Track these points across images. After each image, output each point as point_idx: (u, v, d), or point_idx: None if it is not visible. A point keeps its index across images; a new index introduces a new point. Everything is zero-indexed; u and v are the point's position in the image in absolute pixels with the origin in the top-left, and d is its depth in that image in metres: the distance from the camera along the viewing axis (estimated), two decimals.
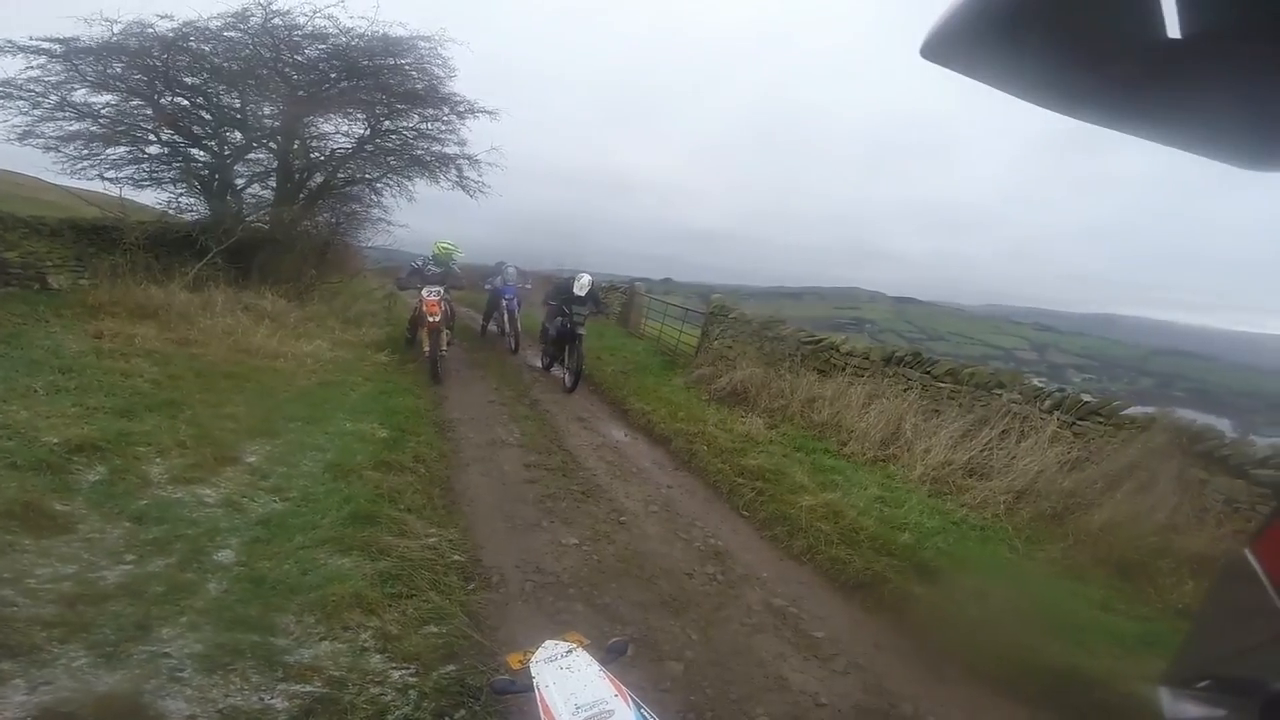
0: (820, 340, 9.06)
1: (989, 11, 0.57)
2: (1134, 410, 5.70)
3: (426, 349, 8.11)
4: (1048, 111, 0.69)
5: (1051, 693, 2.95)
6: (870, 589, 3.96)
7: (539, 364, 9.82)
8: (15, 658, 2.29)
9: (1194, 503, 4.80)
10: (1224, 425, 5.62)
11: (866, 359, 8.11)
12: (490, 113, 12.32)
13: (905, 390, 7.31)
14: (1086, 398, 6.08)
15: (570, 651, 1.79)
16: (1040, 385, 6.62)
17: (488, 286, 11.58)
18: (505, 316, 11.08)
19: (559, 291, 8.94)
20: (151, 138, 10.66)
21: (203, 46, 10.22)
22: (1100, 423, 5.71)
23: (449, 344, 8.79)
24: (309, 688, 2.45)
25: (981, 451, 6.03)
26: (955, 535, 4.80)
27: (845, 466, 6.17)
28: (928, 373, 7.32)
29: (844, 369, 8.22)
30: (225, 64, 10.36)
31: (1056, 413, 5.99)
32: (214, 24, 10.09)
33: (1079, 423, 5.84)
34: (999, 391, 6.56)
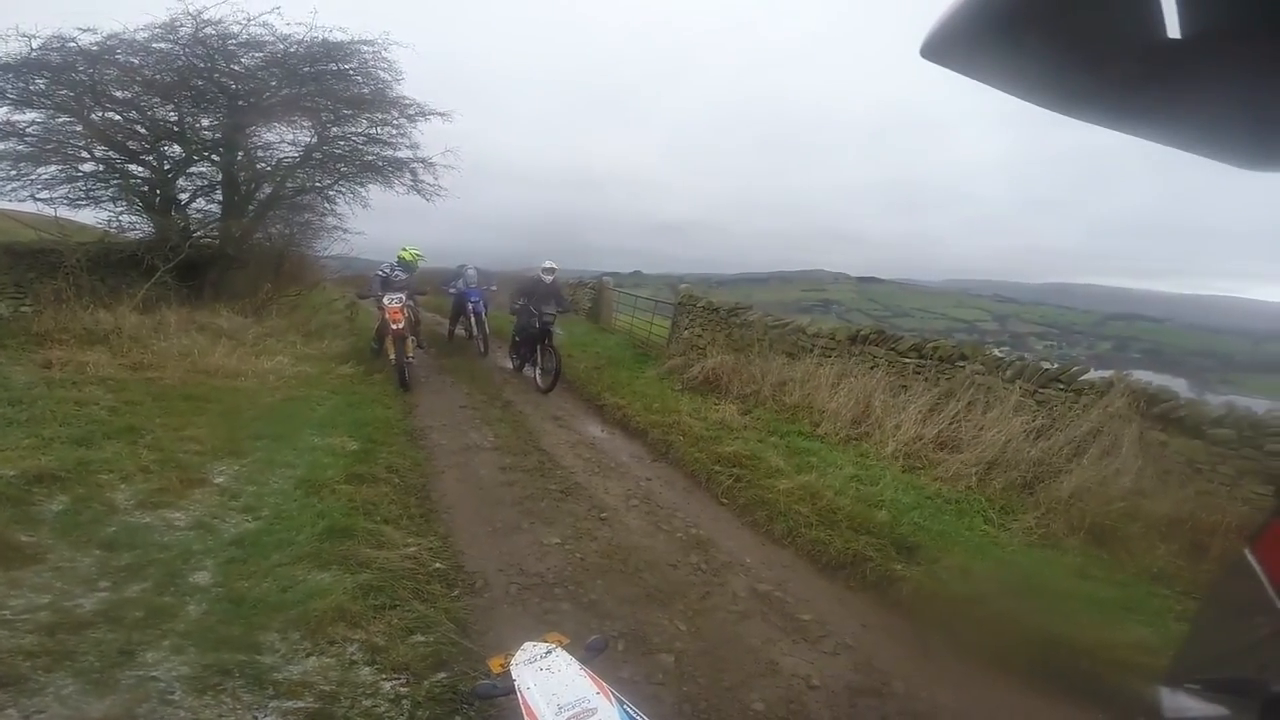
0: (786, 324, 9.15)
1: (989, 11, 0.57)
2: (1093, 375, 5.85)
3: (393, 357, 7.98)
4: (1046, 110, 0.69)
5: (1038, 663, 3.01)
6: (853, 568, 4.01)
7: (510, 365, 9.74)
8: (4, 688, 2.28)
9: (1157, 465, 4.93)
10: (1179, 385, 5.82)
11: (833, 339, 8.21)
12: (442, 114, 12.12)
13: (872, 368, 7.43)
14: (1046, 365, 6.23)
15: (550, 652, 1.79)
16: (1001, 355, 6.75)
17: (451, 290, 11.41)
18: (472, 319, 10.96)
19: (525, 290, 8.86)
20: (84, 155, 10.24)
21: (131, 59, 9.82)
22: (1061, 389, 5.86)
23: (416, 350, 8.66)
24: (301, 704, 2.43)
25: (950, 424, 6.16)
26: (931, 509, 4.89)
27: (819, 447, 6.24)
28: (893, 349, 7.44)
29: (811, 350, 8.32)
30: (157, 76, 9.96)
31: (1019, 382, 6.13)
32: (141, 36, 9.72)
33: (1041, 391, 5.99)
34: (962, 364, 6.70)
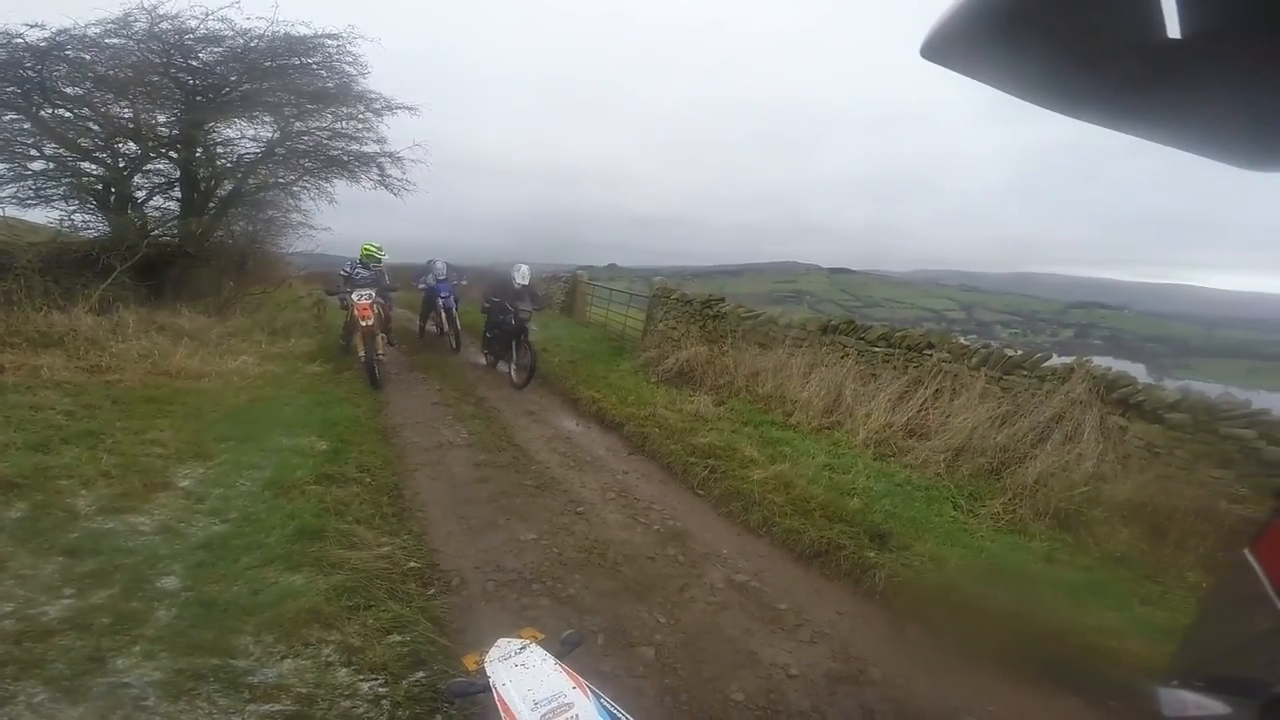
0: (759, 315, 9.23)
1: (989, 11, 0.57)
2: (1055, 362, 5.99)
3: (362, 355, 7.86)
4: (1048, 111, 0.69)
5: (1009, 648, 3.08)
6: (827, 556, 4.06)
7: (482, 361, 9.66)
8: None
9: (1117, 450, 5.06)
10: (1138, 371, 5.96)
11: (804, 330, 8.31)
12: (410, 108, 11.97)
13: (842, 357, 7.53)
14: (1010, 352, 6.36)
15: (524, 648, 1.78)
16: (966, 343, 6.87)
17: (421, 286, 11.27)
18: (443, 315, 10.85)
19: (498, 287, 8.79)
20: (33, 153, 9.89)
21: (83, 55, 9.47)
22: (1025, 376, 6.00)
23: (386, 347, 8.54)
24: (279, 706, 2.41)
25: (919, 412, 6.27)
26: (901, 497, 4.97)
27: (792, 437, 6.31)
28: (862, 338, 7.55)
29: (783, 341, 8.39)
30: (111, 72, 9.62)
31: (984, 369, 6.26)
32: (93, 31, 9.36)
33: (1005, 377, 6.12)
34: (929, 352, 6.81)
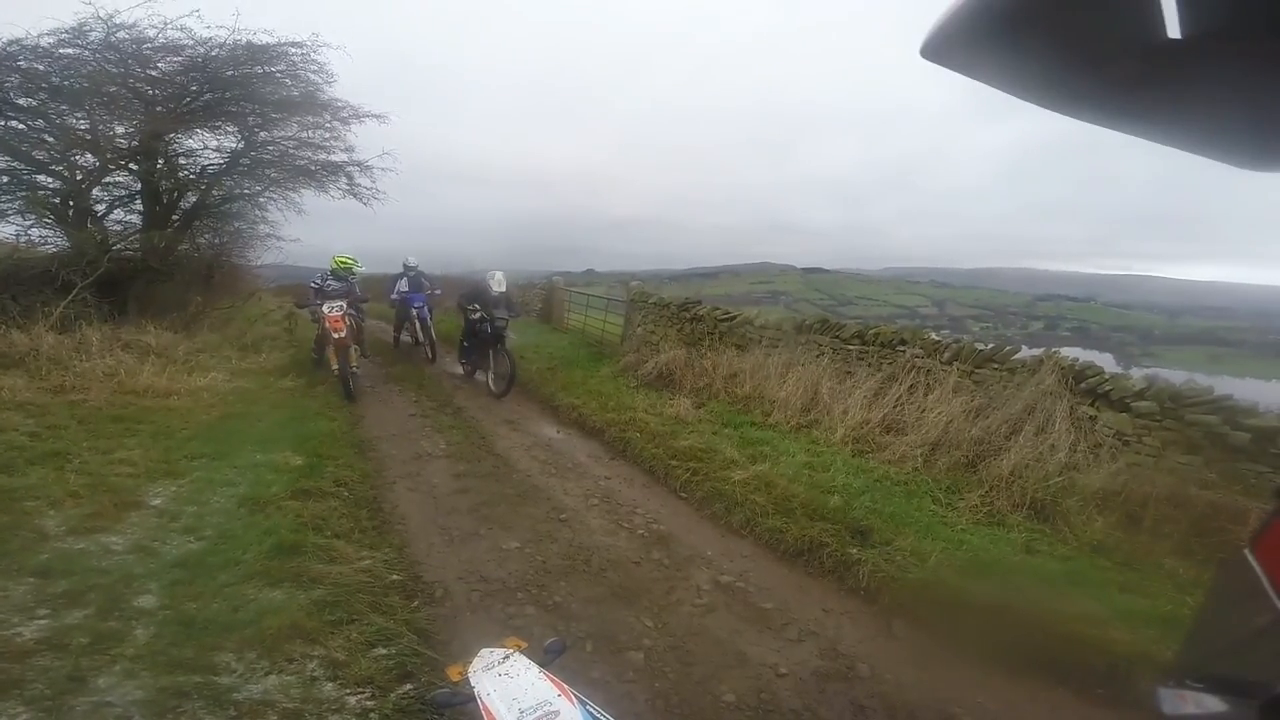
0: (735, 316, 9.29)
1: (989, 11, 0.56)
2: (1024, 354, 6.09)
3: (336, 368, 7.75)
4: (1049, 111, 0.69)
5: (995, 639, 3.12)
6: (810, 555, 4.09)
7: (459, 371, 9.58)
8: None
9: (1088, 439, 5.14)
10: (1105, 360, 6.09)
11: (779, 330, 8.37)
12: (378, 116, 11.81)
13: (818, 356, 7.60)
14: (980, 346, 6.45)
15: (508, 657, 1.78)
16: (938, 339, 6.96)
17: (394, 297, 11.14)
18: (417, 325, 10.73)
19: (473, 295, 8.73)
20: None
21: (35, 65, 9.20)
22: (996, 369, 6.08)
23: (360, 359, 8.43)
24: None
25: (894, 408, 6.34)
26: (881, 492, 5.00)
27: (772, 437, 6.34)
28: (836, 337, 7.63)
29: (760, 342, 8.45)
30: (65, 83, 9.36)
31: (956, 363, 6.34)
32: (46, 41, 9.10)
33: (977, 371, 6.20)
34: (902, 348, 6.90)
